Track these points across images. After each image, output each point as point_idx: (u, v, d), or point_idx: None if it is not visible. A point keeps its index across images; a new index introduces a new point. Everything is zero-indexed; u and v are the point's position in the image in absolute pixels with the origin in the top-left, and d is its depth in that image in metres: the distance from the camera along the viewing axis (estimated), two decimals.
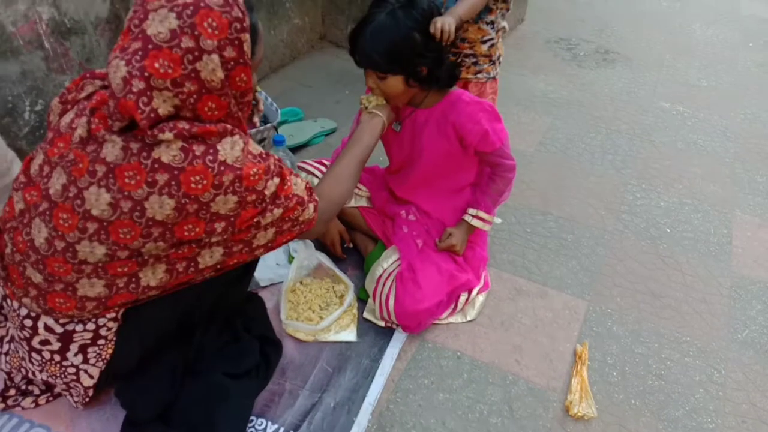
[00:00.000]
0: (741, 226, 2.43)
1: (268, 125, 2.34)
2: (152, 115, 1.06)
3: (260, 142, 2.38)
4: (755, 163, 2.87)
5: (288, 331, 1.73)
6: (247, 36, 1.14)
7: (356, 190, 2.06)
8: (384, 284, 1.77)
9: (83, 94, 1.21)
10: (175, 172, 1.06)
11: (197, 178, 1.07)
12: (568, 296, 1.99)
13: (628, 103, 3.31)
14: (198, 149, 1.08)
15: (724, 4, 4.89)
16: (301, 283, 1.88)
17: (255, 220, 1.18)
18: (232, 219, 1.14)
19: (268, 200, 1.18)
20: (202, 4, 1.08)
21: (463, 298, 1.83)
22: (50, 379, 1.33)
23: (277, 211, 1.21)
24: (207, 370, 1.45)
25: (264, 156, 1.19)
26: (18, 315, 1.24)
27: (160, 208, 1.07)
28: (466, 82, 2.16)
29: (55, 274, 1.15)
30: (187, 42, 1.06)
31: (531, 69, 3.60)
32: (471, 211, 1.86)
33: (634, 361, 1.79)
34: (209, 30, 1.08)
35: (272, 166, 1.19)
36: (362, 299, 1.87)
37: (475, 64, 2.06)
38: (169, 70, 1.05)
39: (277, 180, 1.19)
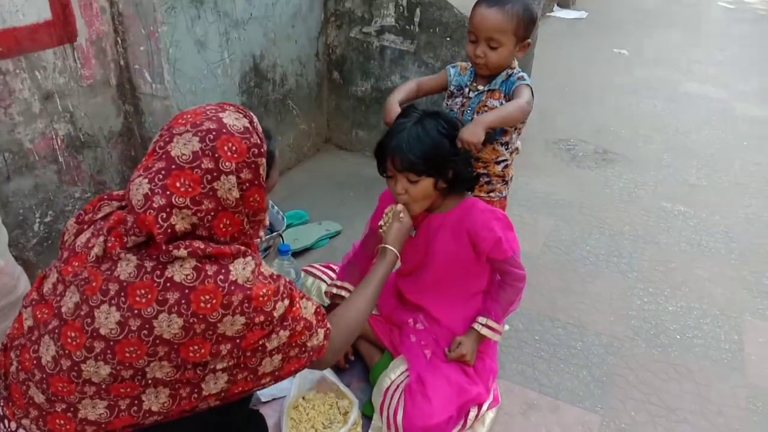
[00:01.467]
0: (752, 331, 2.39)
1: (274, 234, 2.36)
2: (169, 230, 1.09)
3: (265, 250, 2.40)
4: (761, 264, 2.86)
5: None
6: (263, 160, 1.20)
7: None
8: (392, 397, 1.72)
9: (100, 215, 1.24)
10: (186, 291, 1.08)
11: (207, 297, 1.08)
12: (581, 410, 1.93)
13: (630, 204, 3.34)
14: (210, 269, 1.10)
15: (716, 105, 5.04)
16: (303, 398, 1.83)
17: (261, 342, 1.17)
18: (238, 341, 1.13)
19: (275, 322, 1.18)
20: (224, 130, 1.14)
21: (472, 413, 1.77)
22: None
23: (284, 334, 1.20)
24: None
25: (275, 277, 1.20)
26: None
27: (168, 327, 1.07)
28: None
29: (58, 394, 1.13)
30: (207, 163, 1.11)
31: (532, 170, 3.67)
32: (481, 319, 1.83)
33: None
34: (228, 153, 1.13)
35: (282, 288, 1.20)
36: (367, 415, 1.81)
37: (488, 183, 2.06)
38: (189, 189, 1.10)
39: (286, 302, 1.20)
